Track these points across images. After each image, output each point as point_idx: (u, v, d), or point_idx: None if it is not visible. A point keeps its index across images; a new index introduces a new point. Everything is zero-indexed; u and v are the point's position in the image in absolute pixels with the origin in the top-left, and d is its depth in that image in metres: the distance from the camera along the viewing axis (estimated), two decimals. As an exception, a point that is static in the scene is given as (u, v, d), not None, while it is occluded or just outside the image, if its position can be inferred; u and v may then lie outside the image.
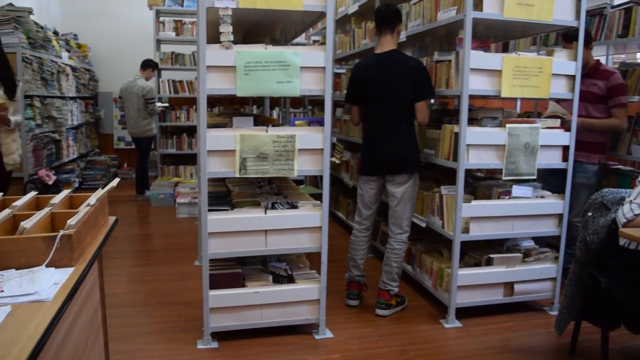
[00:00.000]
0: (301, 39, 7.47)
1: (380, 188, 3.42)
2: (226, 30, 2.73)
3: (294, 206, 3.00)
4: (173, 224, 5.69)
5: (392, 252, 3.38)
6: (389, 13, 3.28)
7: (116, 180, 2.23)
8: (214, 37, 2.78)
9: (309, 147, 2.87)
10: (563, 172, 3.37)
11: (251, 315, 2.96)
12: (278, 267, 3.13)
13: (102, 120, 8.52)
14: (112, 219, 2.24)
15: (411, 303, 3.56)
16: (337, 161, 5.02)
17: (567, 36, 3.68)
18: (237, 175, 2.80)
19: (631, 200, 2.36)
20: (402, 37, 3.75)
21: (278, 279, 3.07)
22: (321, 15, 2.98)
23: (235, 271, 3.00)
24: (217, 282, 2.91)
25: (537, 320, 3.34)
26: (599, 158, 3.74)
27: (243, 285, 2.97)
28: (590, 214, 2.68)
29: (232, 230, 2.85)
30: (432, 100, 5.73)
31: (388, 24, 3.28)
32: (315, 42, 7.37)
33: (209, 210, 2.85)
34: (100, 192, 2.08)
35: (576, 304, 2.77)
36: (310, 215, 2.93)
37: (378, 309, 3.38)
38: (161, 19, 7.44)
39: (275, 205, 2.99)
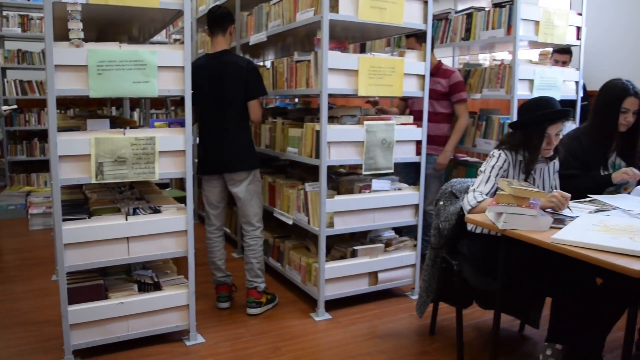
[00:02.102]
0: (162, 37, 7.25)
1: (223, 186, 3.44)
2: (75, 27, 2.56)
3: (157, 211, 2.90)
4: (26, 237, 5.24)
5: (249, 249, 3.41)
6: (220, 14, 3.32)
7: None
8: (65, 34, 2.60)
9: (170, 149, 2.79)
10: (416, 164, 3.62)
11: (116, 327, 2.81)
12: (143, 275, 3.01)
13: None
14: (-54, 235, 2.02)
15: (282, 300, 3.60)
16: (204, 162, 4.93)
17: (408, 34, 3.99)
18: (94, 181, 2.65)
19: (474, 189, 2.58)
20: (263, 37, 3.78)
21: (144, 288, 2.95)
22: (179, 13, 2.90)
23: (96, 283, 2.83)
24: (76, 296, 2.73)
25: (400, 306, 3.54)
26: None
27: (106, 297, 2.82)
28: (441, 202, 2.89)
29: (91, 240, 2.69)
30: (297, 99, 5.85)
31: (219, 25, 3.32)
32: (176, 40, 7.17)
33: (64, 220, 2.66)
34: None
35: (433, 287, 2.98)
36: (175, 219, 2.85)
37: (249, 309, 3.38)
38: (4, 12, 6.79)
39: (137, 210, 2.87)
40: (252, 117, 3.34)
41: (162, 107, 7.53)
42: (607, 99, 2.80)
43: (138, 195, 3.32)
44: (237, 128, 3.32)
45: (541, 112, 2.52)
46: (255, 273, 3.41)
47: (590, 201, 2.63)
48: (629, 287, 1.91)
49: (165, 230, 2.84)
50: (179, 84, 2.79)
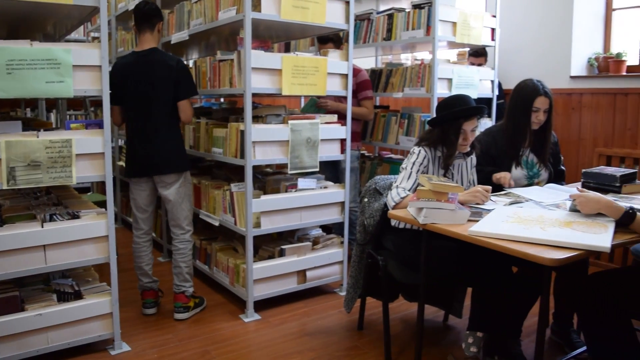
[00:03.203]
0: (79, 35, 6.98)
1: (152, 189, 3.35)
2: (-19, 24, 2.43)
3: (75, 216, 2.78)
4: None
5: (178, 253, 3.34)
6: (148, 11, 3.23)
7: None
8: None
9: (88, 152, 2.68)
10: (334, 161, 3.73)
11: (35, 341, 2.67)
12: (63, 284, 2.88)
13: None
14: None
15: (210, 302, 3.55)
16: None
17: (320, 38, 4.15)
18: (5, 186, 2.51)
19: (397, 186, 2.65)
20: (185, 35, 3.71)
21: (64, 297, 2.83)
22: (95, 10, 2.81)
23: (10, 295, 2.68)
24: (-11, 310, 2.59)
25: (328, 302, 3.58)
26: (357, 145, 4.27)
27: (22, 309, 2.67)
28: (366, 199, 2.95)
29: (4, 249, 2.54)
30: (222, 99, 5.79)
31: (147, 22, 3.23)
32: (95, 38, 6.90)
33: (-28, 230, 2.51)
34: None
35: (360, 282, 3.03)
36: (95, 225, 2.75)
37: (176, 314, 3.32)
38: None
39: (54, 216, 2.74)
40: (183, 118, 3.26)
41: (82, 108, 7.23)
42: (519, 99, 2.95)
43: (55, 201, 3.18)
44: (167, 129, 3.23)
45: (456, 109, 2.62)
46: (184, 277, 3.34)
47: (505, 194, 2.77)
48: (542, 274, 2.02)
49: (85, 236, 2.73)
50: (96, 84, 2.69)
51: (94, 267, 3.21)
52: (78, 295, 2.85)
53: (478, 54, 4.75)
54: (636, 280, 2.22)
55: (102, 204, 3.02)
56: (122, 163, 4.88)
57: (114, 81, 3.26)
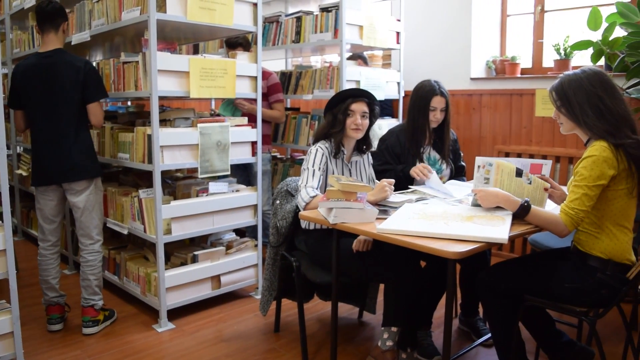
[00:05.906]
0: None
1: (60, 198, 3.19)
2: None
3: (-34, 230, 2.59)
4: None
5: (87, 264, 3.19)
6: (51, 10, 3.07)
7: None
8: None
9: (-20, 161, 2.51)
10: (245, 164, 3.76)
11: None
12: (-45, 304, 2.68)
13: None
14: None
15: (121, 314, 3.42)
16: (25, 173, 4.51)
17: (229, 43, 4.15)
18: None
19: (305, 185, 2.66)
20: (86, 36, 3.56)
21: (-44, 318, 2.62)
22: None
23: None
24: None
25: (244, 307, 3.55)
26: (268, 148, 4.34)
27: None
28: (278, 201, 2.96)
29: None
30: (129, 102, 5.59)
31: (51, 22, 3.07)
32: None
33: None
34: None
35: (275, 284, 3.03)
36: (-11, 238, 2.57)
37: (85, 328, 3.16)
38: None
39: (-58, 231, 2.54)
40: (93, 121, 3.12)
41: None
42: (417, 99, 3.07)
43: (-57, 215, 2.94)
44: (76, 133, 3.07)
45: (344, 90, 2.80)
46: (93, 290, 3.19)
47: (412, 191, 2.86)
48: (447, 267, 2.10)
49: (-22, 251, 2.55)
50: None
51: (-10, 285, 3.01)
52: (-27, 315, 2.65)
53: (352, 58, 4.88)
54: (531, 266, 2.37)
55: (-3, 216, 2.83)
56: (21, 171, 4.60)
57: (16, 84, 3.09)
